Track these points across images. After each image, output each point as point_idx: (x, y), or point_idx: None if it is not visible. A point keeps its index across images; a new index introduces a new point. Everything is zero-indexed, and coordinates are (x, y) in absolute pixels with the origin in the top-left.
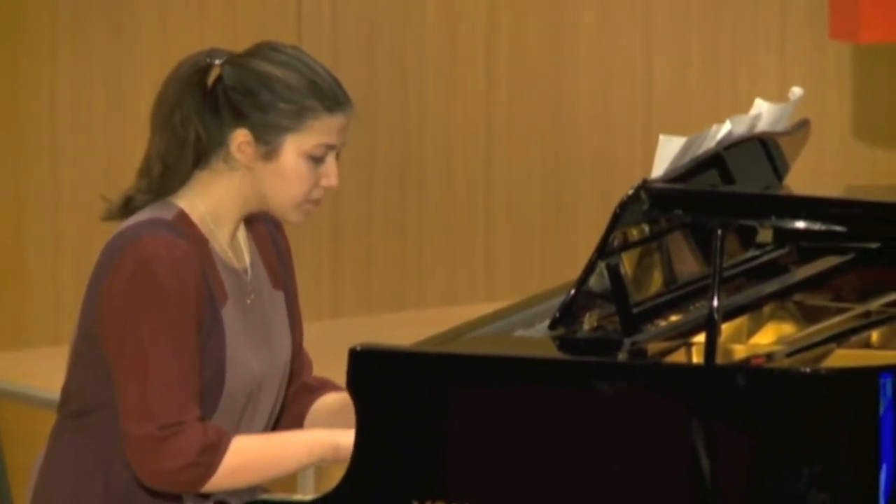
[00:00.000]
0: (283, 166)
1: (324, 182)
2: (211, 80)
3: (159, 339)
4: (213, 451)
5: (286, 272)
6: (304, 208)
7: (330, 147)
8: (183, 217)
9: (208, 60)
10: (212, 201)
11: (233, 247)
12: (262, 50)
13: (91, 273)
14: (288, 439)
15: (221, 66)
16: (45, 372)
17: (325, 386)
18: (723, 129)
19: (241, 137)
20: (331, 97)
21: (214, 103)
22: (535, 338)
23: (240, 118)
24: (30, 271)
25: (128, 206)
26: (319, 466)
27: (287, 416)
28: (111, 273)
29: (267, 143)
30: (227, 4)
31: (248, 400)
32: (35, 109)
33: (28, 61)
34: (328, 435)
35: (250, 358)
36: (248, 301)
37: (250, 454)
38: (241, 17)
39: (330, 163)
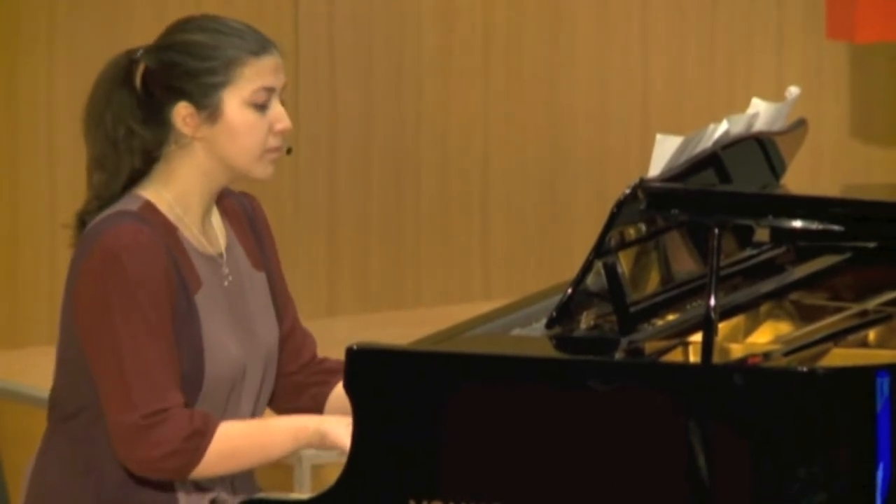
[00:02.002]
0: (229, 122)
1: (277, 126)
2: (139, 75)
3: (132, 327)
4: (200, 437)
5: (266, 251)
6: (267, 159)
7: (269, 90)
8: (149, 207)
9: (130, 57)
10: (176, 187)
11: (205, 232)
12: (175, 25)
13: (67, 273)
14: (274, 425)
15: (142, 57)
16: (41, 371)
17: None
18: (720, 129)
19: (182, 111)
20: (252, 41)
21: (148, 94)
22: (532, 337)
23: (174, 94)
24: (26, 270)
25: (83, 224)
26: (316, 464)
27: (304, 396)
28: (81, 270)
29: (207, 106)
30: (223, 2)
31: (233, 387)
32: (31, 108)
33: (24, 59)
34: (316, 422)
35: (230, 344)
36: (225, 284)
37: (237, 440)
38: (237, 16)
39: (276, 107)
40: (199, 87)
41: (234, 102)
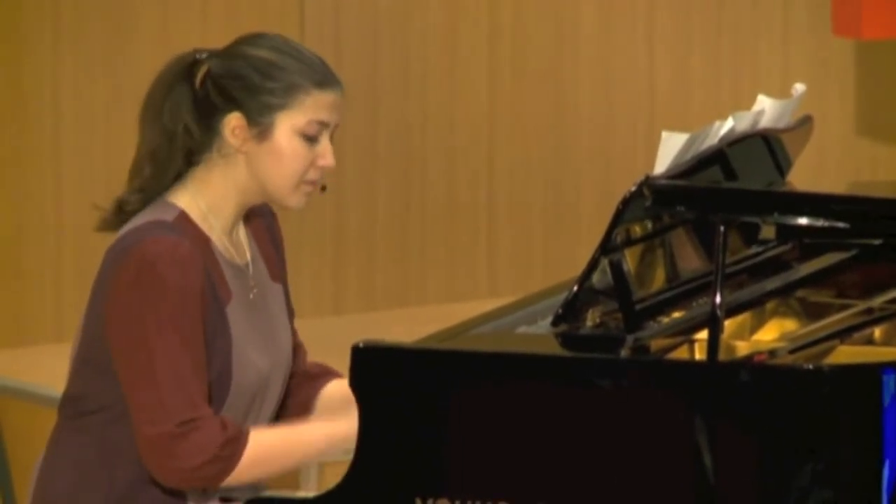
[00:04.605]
0: (276, 145)
1: (320, 162)
2: (200, 75)
3: (167, 337)
4: (235, 444)
5: (281, 260)
6: (302, 190)
7: (323, 125)
8: (184, 217)
9: (196, 56)
10: (210, 196)
11: (234, 242)
12: (247, 38)
13: (95, 277)
14: (306, 429)
15: (208, 59)
16: (46, 369)
17: (327, 372)
18: (725, 126)
19: (233, 122)
20: (320, 73)
21: (205, 96)
22: (538, 334)
23: (231, 103)
24: (31, 269)
25: (121, 211)
26: (322, 463)
27: (291, 404)
28: (116, 276)
29: (259, 123)
30: (228, 8)
31: (255, 398)
32: (37, 108)
33: (30, 60)
34: (347, 424)
35: (256, 355)
36: (251, 296)
37: (270, 445)
38: (243, 14)
39: (325, 142)
40: (256, 102)
41: (285, 127)
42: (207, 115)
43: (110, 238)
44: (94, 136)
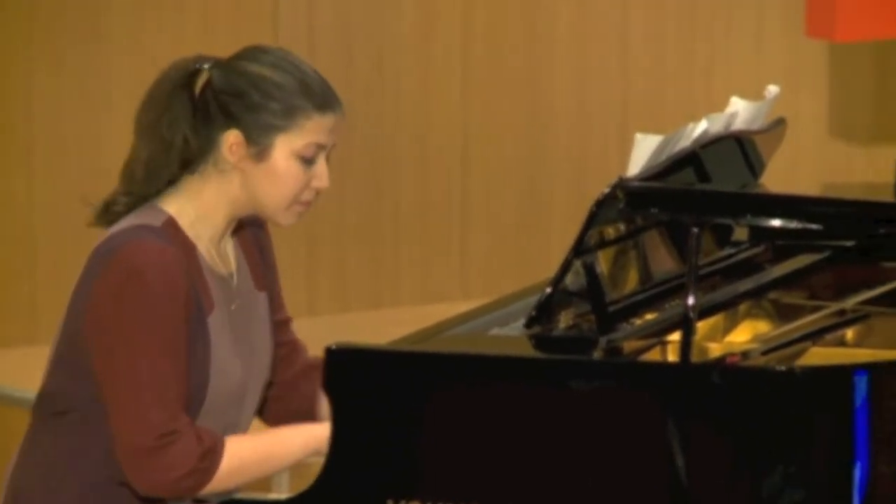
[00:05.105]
0: (273, 166)
1: (315, 183)
2: (200, 84)
3: (151, 346)
4: (212, 455)
5: (268, 268)
6: (295, 210)
7: (320, 147)
8: (171, 223)
9: (196, 66)
10: (202, 206)
11: (220, 253)
12: (251, 52)
13: (78, 277)
14: (281, 435)
15: (210, 70)
16: (21, 371)
17: None
18: (699, 128)
19: (232, 139)
20: (321, 96)
21: (204, 107)
22: (511, 336)
23: (230, 120)
24: (5, 272)
25: (108, 211)
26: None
27: (296, 396)
28: (99, 279)
29: (257, 143)
30: (202, 9)
31: (232, 406)
32: (10, 112)
33: (3, 65)
34: (322, 428)
35: (234, 366)
36: (233, 307)
37: (246, 454)
38: (217, 20)
39: (321, 164)
40: (256, 122)
41: (284, 149)
42: (206, 127)
43: (84, 241)
44: (67, 140)
